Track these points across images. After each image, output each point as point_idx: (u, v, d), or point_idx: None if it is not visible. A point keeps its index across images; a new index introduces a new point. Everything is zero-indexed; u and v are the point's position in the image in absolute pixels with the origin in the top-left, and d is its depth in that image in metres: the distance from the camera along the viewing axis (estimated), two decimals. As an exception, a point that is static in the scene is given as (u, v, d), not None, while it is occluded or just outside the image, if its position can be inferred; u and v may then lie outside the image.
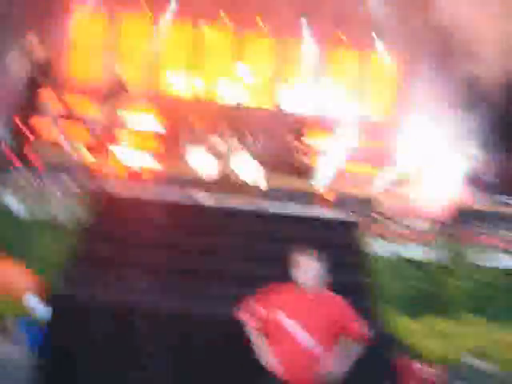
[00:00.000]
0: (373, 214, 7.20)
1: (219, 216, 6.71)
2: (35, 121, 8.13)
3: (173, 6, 11.82)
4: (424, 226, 6.79)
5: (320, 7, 11.66)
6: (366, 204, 7.61)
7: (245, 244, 6.29)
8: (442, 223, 7.07)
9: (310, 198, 7.66)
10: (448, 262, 6.32)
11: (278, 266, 5.27)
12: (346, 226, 6.75)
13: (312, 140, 11.40)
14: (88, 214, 6.23)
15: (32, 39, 7.98)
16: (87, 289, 5.48)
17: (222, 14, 12.03)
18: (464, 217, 7.41)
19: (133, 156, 9.03)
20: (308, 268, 3.84)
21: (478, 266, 6.37)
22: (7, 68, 7.91)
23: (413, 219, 6.93)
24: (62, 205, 6.33)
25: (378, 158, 10.96)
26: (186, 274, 5.83)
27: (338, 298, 3.94)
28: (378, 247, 6.44)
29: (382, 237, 6.59)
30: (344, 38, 12.26)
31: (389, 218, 6.94)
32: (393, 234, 6.72)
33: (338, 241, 6.42)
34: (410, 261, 6.34)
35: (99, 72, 11.59)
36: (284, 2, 11.59)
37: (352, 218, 6.93)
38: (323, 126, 11.30)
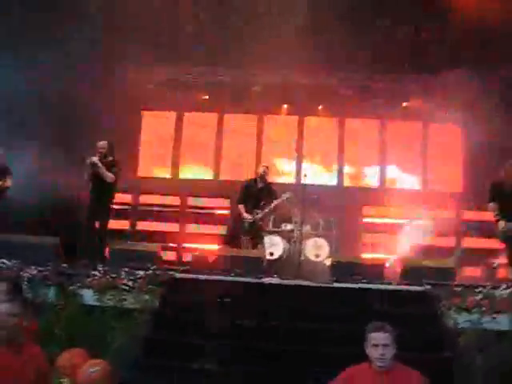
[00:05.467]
0: (451, 285, 6.82)
1: (285, 295, 6.58)
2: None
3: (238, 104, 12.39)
4: (505, 293, 6.33)
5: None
6: (442, 275, 7.25)
7: (314, 322, 6.07)
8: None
9: (380, 271, 7.39)
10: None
11: (351, 344, 5.11)
12: (422, 298, 6.45)
13: (383, 214, 11.35)
14: (157, 300, 6.25)
15: (104, 143, 8.31)
16: (159, 378, 5.39)
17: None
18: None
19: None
20: (380, 344, 3.65)
21: None
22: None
23: (493, 287, 6.49)
24: (132, 293, 6.37)
25: (451, 228, 10.86)
26: (257, 357, 5.65)
27: (416, 374, 3.69)
28: (460, 319, 6.07)
29: (463, 308, 6.21)
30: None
31: (468, 288, 6.54)
32: (475, 305, 6.30)
33: (414, 314, 6.14)
34: (496, 332, 5.90)
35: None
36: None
37: (429, 289, 6.60)
38: (393, 199, 11.23)
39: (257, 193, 8.64)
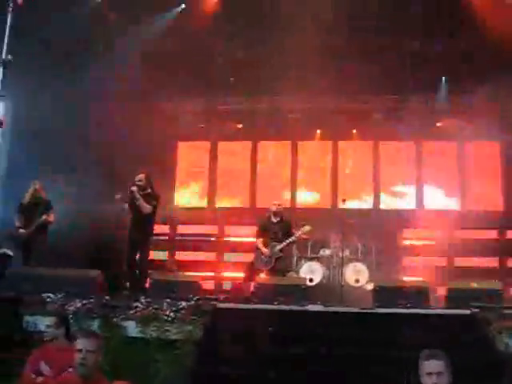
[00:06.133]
0: (500, 307, 6.62)
1: (330, 322, 6.48)
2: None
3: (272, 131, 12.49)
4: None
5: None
6: (489, 297, 7.04)
7: (359, 348, 5.96)
8: None
9: (424, 295, 7.22)
10: None
11: (399, 370, 5.00)
12: (470, 322, 6.27)
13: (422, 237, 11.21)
14: (200, 330, 6.22)
15: (141, 176, 8.43)
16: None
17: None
18: None
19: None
20: (434, 372, 3.55)
21: None
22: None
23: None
24: (175, 324, 6.36)
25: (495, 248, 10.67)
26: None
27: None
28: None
29: (513, 331, 6.01)
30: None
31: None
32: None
33: (463, 338, 5.97)
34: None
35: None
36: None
37: (477, 312, 6.43)
38: (432, 220, 11.09)
39: (273, 227, 8.76)
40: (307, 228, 8.80)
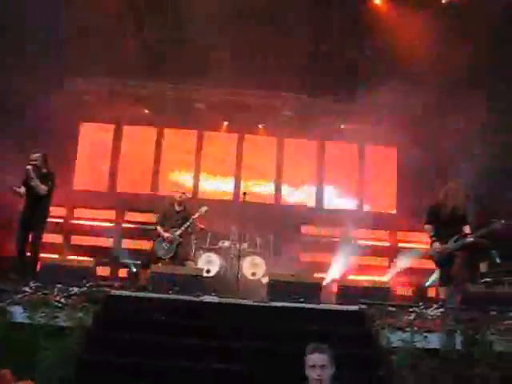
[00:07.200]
0: (386, 305, 6.96)
1: (223, 313, 6.53)
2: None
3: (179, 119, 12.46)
4: (436, 312, 6.52)
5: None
6: (378, 294, 7.39)
7: (250, 341, 6.05)
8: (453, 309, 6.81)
9: (316, 290, 7.45)
10: (467, 349, 6.03)
11: (287, 363, 5.14)
12: (357, 318, 6.55)
13: (320, 234, 11.50)
14: (91, 317, 6.08)
15: (37, 155, 8.08)
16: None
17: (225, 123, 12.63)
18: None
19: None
20: (317, 365, 3.69)
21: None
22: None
23: (424, 306, 6.66)
24: (65, 310, 6.17)
25: (386, 249, 11.14)
26: (192, 377, 5.59)
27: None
28: (393, 338, 6.19)
29: (396, 327, 6.34)
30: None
31: (400, 307, 6.70)
32: (408, 324, 6.46)
33: (349, 333, 6.21)
34: (426, 350, 6.05)
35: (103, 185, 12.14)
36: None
37: (363, 309, 6.72)
38: (330, 219, 11.43)
39: (175, 215, 8.80)
40: (204, 208, 8.89)
